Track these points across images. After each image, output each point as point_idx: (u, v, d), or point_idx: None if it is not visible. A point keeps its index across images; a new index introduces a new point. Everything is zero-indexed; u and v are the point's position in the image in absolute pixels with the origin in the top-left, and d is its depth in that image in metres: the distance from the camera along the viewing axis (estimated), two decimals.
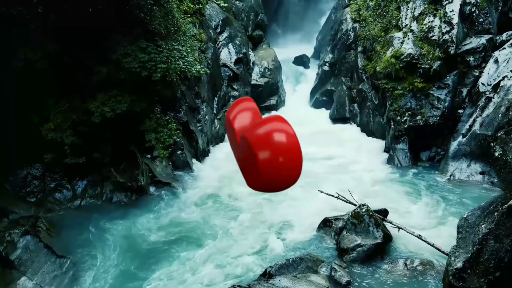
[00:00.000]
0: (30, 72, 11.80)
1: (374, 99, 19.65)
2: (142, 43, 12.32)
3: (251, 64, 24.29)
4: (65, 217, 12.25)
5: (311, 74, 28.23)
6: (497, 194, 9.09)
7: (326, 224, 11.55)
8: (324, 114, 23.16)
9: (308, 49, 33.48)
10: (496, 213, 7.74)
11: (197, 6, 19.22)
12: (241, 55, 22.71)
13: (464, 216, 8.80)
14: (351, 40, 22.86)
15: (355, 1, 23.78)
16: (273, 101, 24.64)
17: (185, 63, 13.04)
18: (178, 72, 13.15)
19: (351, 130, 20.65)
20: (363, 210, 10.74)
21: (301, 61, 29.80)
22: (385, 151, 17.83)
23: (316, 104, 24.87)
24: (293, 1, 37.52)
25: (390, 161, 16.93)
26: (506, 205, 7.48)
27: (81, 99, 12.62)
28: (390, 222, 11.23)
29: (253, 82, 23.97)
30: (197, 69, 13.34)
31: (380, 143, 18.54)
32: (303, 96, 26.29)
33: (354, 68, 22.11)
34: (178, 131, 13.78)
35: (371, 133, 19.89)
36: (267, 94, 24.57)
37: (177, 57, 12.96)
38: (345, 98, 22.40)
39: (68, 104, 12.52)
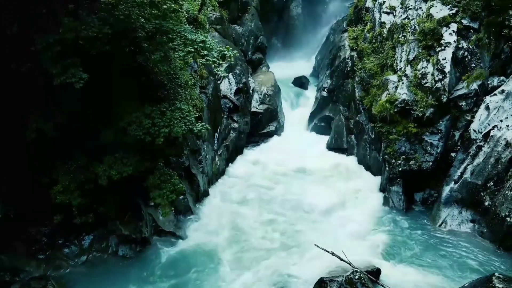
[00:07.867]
0: (40, 136, 12.39)
1: (371, 133, 20.16)
2: (147, 108, 12.82)
3: (250, 92, 24.59)
4: (73, 276, 12.86)
5: (310, 94, 28.76)
6: (481, 277, 9.68)
7: (321, 285, 12.11)
8: (322, 143, 23.71)
9: (307, 65, 33.94)
10: None
11: None
12: (241, 85, 22.97)
13: None
14: (348, 69, 23.27)
15: (353, 28, 24.20)
16: (272, 127, 25.09)
17: (187, 123, 13.53)
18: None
19: (349, 165, 21.15)
20: (356, 277, 11.37)
21: (300, 82, 30.28)
22: (380, 190, 18.40)
23: (315, 129, 25.42)
24: (293, 16, 37.77)
25: (385, 203, 17.52)
26: None
27: (88, 159, 13.17)
28: (382, 285, 11.86)
29: (252, 109, 24.22)
30: (198, 129, 13.86)
31: (376, 180, 19.07)
32: (302, 119, 26.75)
33: (351, 98, 22.54)
34: (181, 185, 14.32)
35: (368, 167, 20.43)
36: (267, 121, 24.99)
37: (179, 118, 13.44)
38: (343, 128, 22.89)
39: (76, 165, 13.09)
